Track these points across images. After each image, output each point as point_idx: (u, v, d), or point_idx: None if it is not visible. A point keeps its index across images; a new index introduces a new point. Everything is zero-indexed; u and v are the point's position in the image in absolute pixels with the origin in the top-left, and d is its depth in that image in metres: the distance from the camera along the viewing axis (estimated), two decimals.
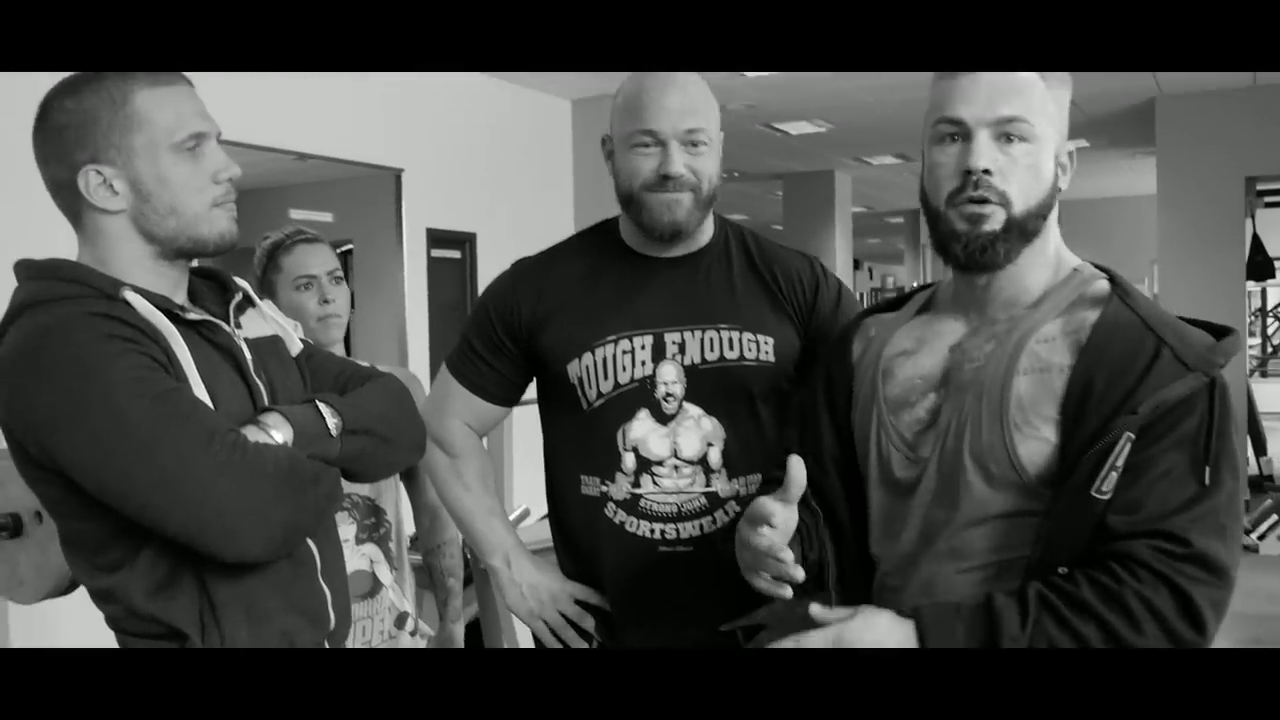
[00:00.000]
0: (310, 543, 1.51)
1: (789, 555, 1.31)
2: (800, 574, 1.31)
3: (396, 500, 2.30)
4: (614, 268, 1.83)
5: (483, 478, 1.93)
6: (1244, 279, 8.07)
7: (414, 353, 6.00)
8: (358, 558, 2.16)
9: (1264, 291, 14.45)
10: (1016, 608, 1.23)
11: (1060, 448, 1.29)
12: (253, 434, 1.37)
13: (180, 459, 1.29)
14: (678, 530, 1.77)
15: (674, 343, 1.77)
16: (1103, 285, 1.38)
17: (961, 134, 1.35)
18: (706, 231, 1.83)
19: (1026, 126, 1.33)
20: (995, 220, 1.34)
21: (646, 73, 1.78)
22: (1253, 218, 8.37)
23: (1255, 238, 8.36)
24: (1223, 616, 1.23)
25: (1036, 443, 1.30)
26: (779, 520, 1.31)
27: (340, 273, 2.27)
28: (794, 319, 1.82)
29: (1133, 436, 1.23)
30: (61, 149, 1.40)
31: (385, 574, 2.21)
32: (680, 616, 1.78)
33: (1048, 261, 1.40)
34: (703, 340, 1.77)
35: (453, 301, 6.46)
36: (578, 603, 1.85)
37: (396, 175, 5.97)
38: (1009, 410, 1.31)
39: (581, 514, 1.81)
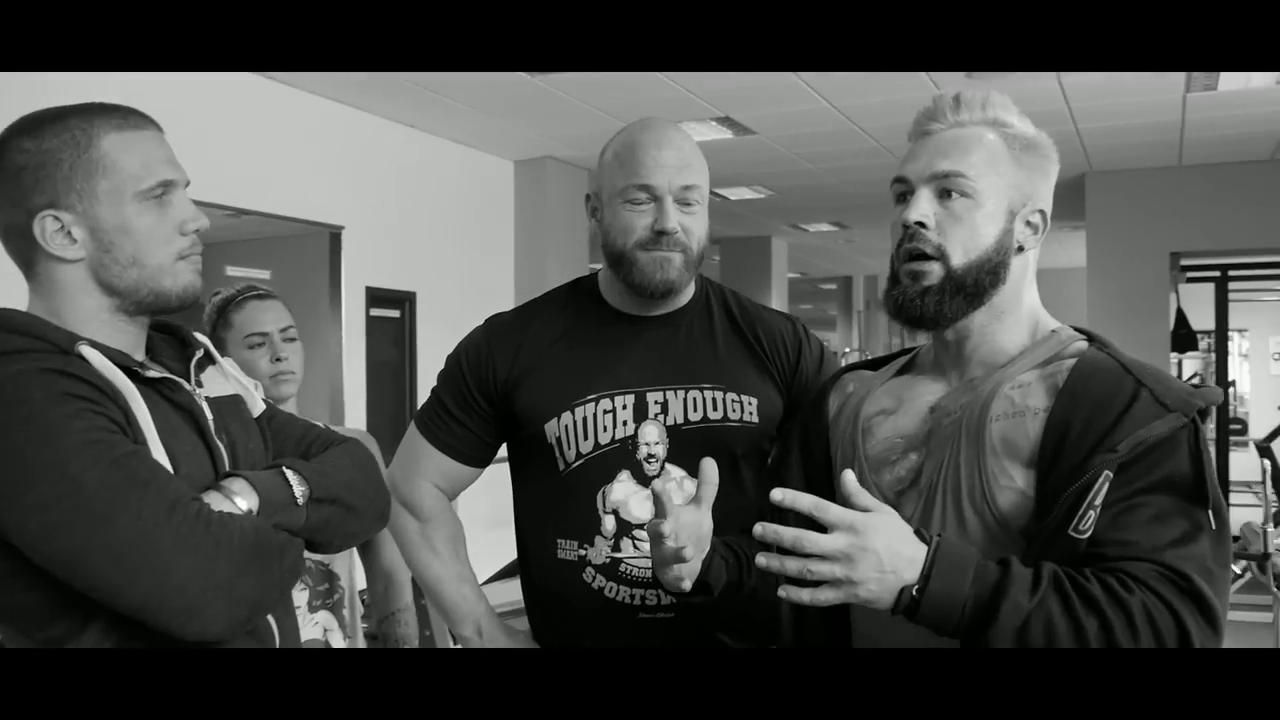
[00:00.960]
0: (269, 617, 1.42)
1: (686, 569, 1.36)
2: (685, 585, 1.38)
3: (350, 566, 2.21)
4: (594, 325, 1.78)
5: (453, 543, 1.85)
6: (1169, 350, 8.25)
7: (351, 413, 5.88)
8: (311, 626, 2.07)
9: (1180, 363, 14.81)
10: (1030, 578, 1.18)
11: (1036, 493, 1.26)
12: (216, 501, 1.29)
13: (139, 531, 1.19)
14: (658, 596, 1.71)
15: (656, 402, 1.72)
16: (1081, 345, 1.37)
17: (908, 191, 1.36)
18: (689, 291, 1.80)
19: (965, 182, 1.33)
20: (933, 276, 1.34)
21: (637, 126, 1.75)
22: (1176, 292, 8.58)
23: (1179, 311, 8.57)
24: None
25: (1011, 493, 1.28)
26: (668, 526, 1.33)
27: (293, 331, 2.21)
28: (776, 379, 1.79)
29: (1111, 475, 1.20)
30: (17, 191, 1.31)
31: (338, 642, 2.12)
32: None
33: (1020, 324, 1.40)
34: (686, 400, 1.72)
35: (391, 361, 6.37)
36: None
37: (336, 233, 5.88)
38: (986, 457, 1.29)
39: (558, 578, 1.75)
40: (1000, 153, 1.35)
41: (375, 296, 6.18)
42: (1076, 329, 1.42)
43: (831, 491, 1.47)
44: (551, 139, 7.08)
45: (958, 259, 1.33)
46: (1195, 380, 1.34)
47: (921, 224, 1.33)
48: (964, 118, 1.36)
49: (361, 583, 2.33)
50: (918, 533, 1.21)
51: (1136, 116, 6.47)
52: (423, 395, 6.68)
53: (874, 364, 1.60)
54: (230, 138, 4.96)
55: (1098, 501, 1.20)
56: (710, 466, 1.36)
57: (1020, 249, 1.37)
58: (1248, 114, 6.50)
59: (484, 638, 1.79)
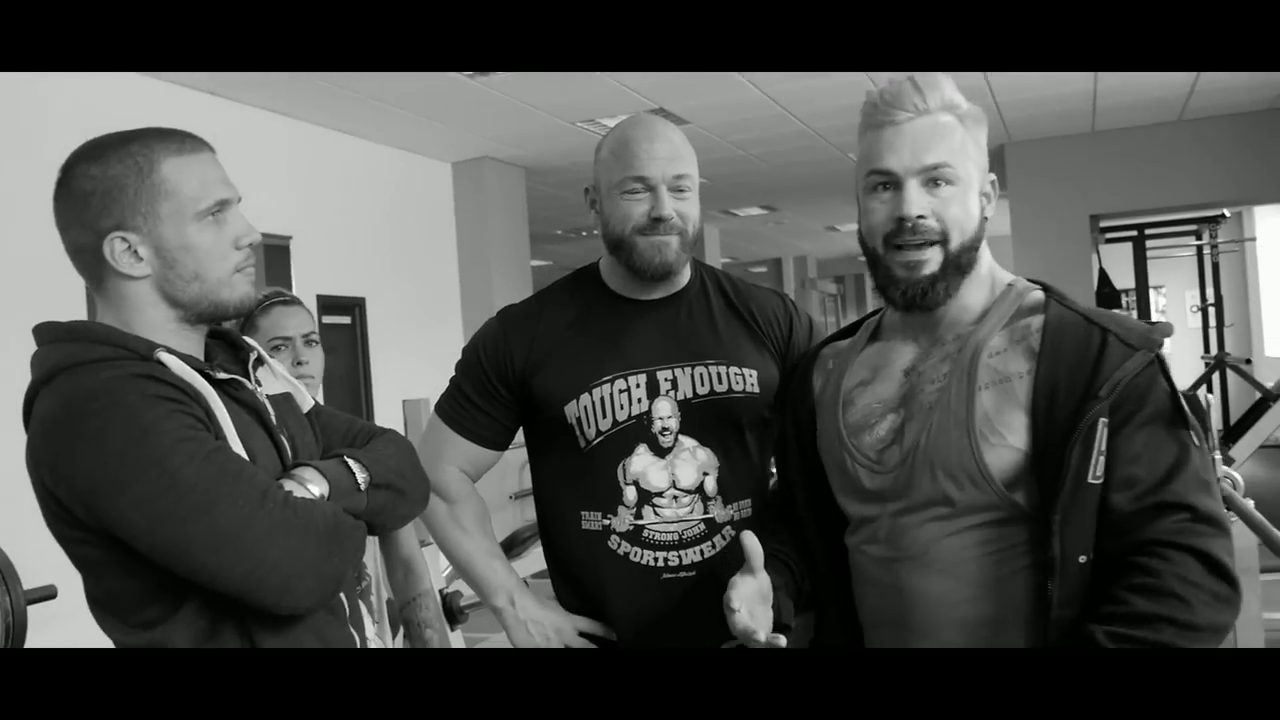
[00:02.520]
0: (341, 593, 1.55)
1: (761, 636, 1.42)
2: (779, 640, 1.43)
3: (375, 554, 2.32)
4: (601, 311, 1.92)
5: (480, 521, 1.98)
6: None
7: None
8: None
9: None
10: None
11: (1031, 450, 1.40)
12: (294, 489, 1.41)
13: (237, 518, 1.31)
14: (680, 557, 1.85)
15: (666, 379, 1.86)
16: (1037, 295, 1.51)
17: (892, 183, 1.47)
18: (685, 273, 1.94)
19: (951, 171, 1.46)
20: (933, 263, 1.47)
21: (629, 122, 1.88)
22: (1098, 253, 8.90)
23: (1101, 271, 8.89)
24: (1233, 560, 1.35)
25: (1004, 450, 1.41)
26: (738, 599, 1.44)
27: (315, 336, 2.31)
28: (773, 351, 1.93)
29: (1106, 420, 1.35)
30: (86, 215, 1.41)
31: (370, 625, 2.23)
32: (685, 638, 1.85)
33: (983, 282, 1.53)
34: (693, 376, 1.86)
35: (346, 366, 6.43)
36: (582, 634, 1.91)
37: (284, 243, 5.94)
38: (975, 423, 1.42)
39: (583, 548, 1.88)
40: (965, 136, 1.48)
41: (326, 304, 6.25)
42: (1029, 280, 1.56)
43: (820, 466, 1.62)
44: (488, 139, 7.17)
45: (955, 241, 1.46)
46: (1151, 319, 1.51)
47: (922, 216, 1.45)
48: (929, 105, 1.47)
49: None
50: None
51: (1050, 87, 6.72)
52: (378, 398, 6.74)
53: (845, 333, 1.73)
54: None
55: (1103, 446, 1.35)
56: (751, 539, 1.48)
57: (985, 217, 1.52)
58: (1154, 78, 6.78)
59: (516, 606, 1.92)
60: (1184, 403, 1.39)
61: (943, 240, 1.46)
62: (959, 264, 1.47)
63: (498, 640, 4.57)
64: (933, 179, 1.46)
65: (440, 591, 3.01)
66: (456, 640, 3.24)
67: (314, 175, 6.25)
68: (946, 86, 1.50)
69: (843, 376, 1.62)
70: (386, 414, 6.29)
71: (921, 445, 1.47)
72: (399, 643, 2.35)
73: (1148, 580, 1.31)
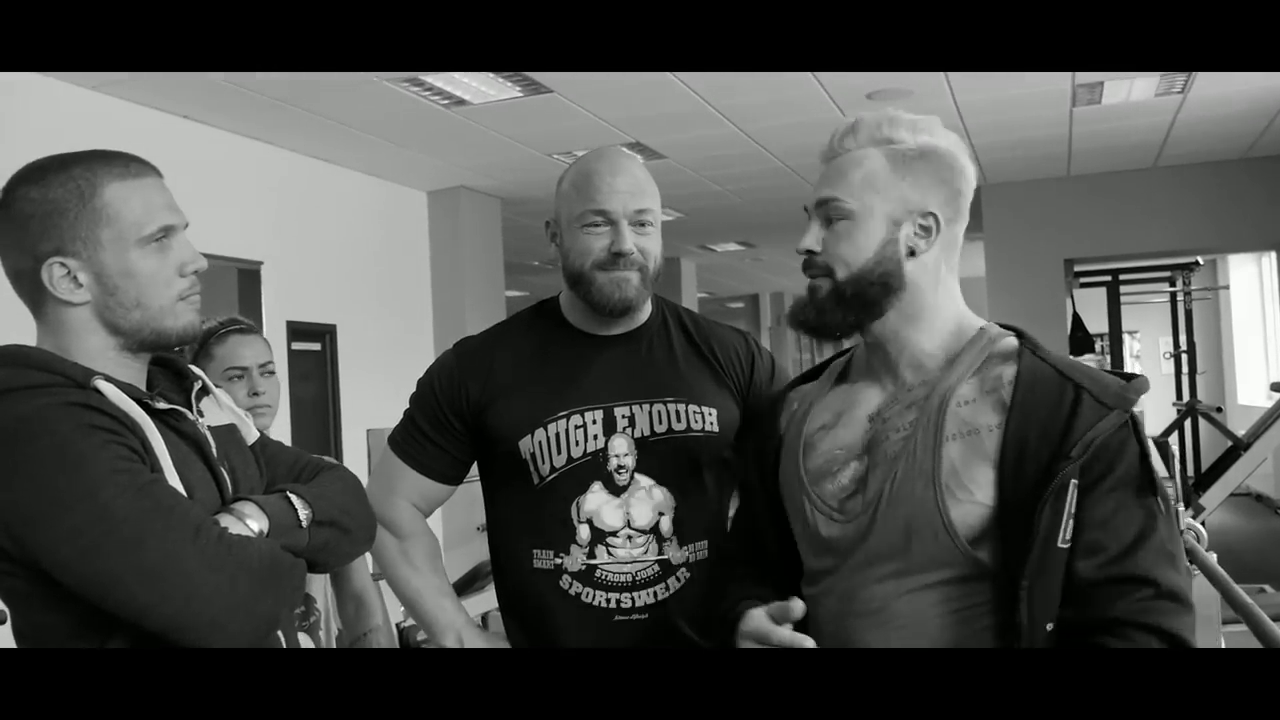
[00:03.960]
0: (279, 632, 1.50)
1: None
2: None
3: (325, 588, 2.27)
4: (559, 346, 1.88)
5: (430, 558, 1.93)
6: (1068, 353, 8.57)
7: None
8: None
9: None
10: None
11: (997, 506, 1.34)
12: (231, 524, 1.37)
13: (167, 554, 1.27)
14: (633, 599, 1.81)
15: (624, 416, 1.83)
16: (1010, 342, 1.45)
17: (809, 217, 1.50)
18: (646, 309, 1.91)
19: (841, 205, 1.45)
20: (823, 290, 1.47)
21: (592, 155, 1.86)
22: (1072, 297, 8.93)
23: (1075, 315, 8.91)
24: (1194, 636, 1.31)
25: (970, 505, 1.35)
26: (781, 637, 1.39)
27: (272, 366, 2.27)
28: (733, 390, 1.90)
29: (1077, 481, 1.30)
30: (25, 239, 1.37)
31: None
32: None
33: (938, 324, 1.47)
34: (651, 413, 1.83)
35: (314, 394, 6.37)
36: None
37: (254, 268, 5.89)
38: (941, 476, 1.37)
39: (535, 587, 1.84)
40: (880, 170, 1.44)
41: (296, 330, 6.19)
42: (1002, 325, 1.50)
43: (784, 508, 1.58)
44: (464, 169, 7.16)
45: (841, 273, 1.45)
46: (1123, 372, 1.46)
47: (810, 251, 1.47)
48: (851, 143, 1.47)
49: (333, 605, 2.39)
50: None
51: (1027, 130, 6.76)
52: (347, 426, 6.70)
53: (814, 373, 1.68)
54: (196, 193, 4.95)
55: (1073, 509, 1.30)
56: (798, 605, 1.39)
57: (912, 253, 1.45)
58: (1130, 125, 6.83)
59: (464, 645, 1.87)
60: (1154, 467, 1.34)
61: (828, 273, 1.47)
62: (846, 297, 1.46)
63: None
64: (827, 215, 1.47)
65: (397, 625, 2.96)
66: None
67: (287, 201, 6.21)
68: (887, 124, 1.47)
69: (805, 419, 1.57)
70: (353, 441, 6.23)
71: (885, 496, 1.41)
72: None
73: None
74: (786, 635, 1.36)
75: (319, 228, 6.50)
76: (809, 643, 1.35)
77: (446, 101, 5.53)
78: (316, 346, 6.47)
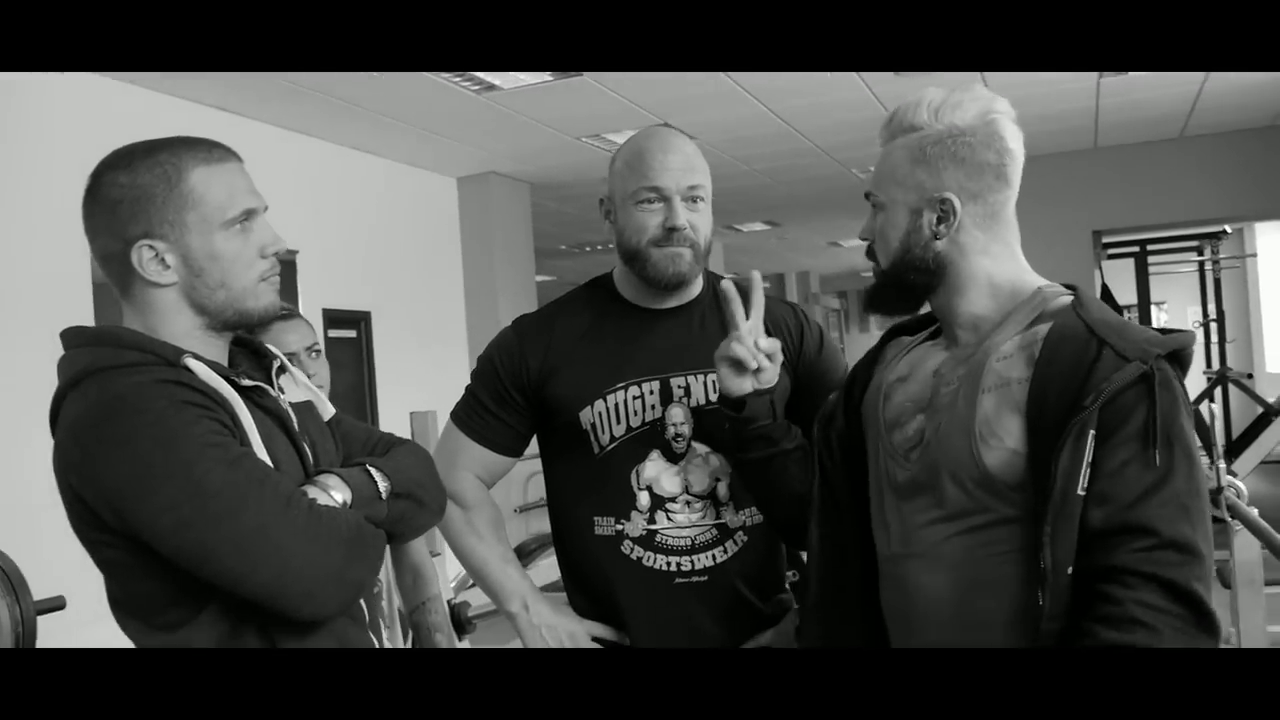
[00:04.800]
0: (361, 599, 1.56)
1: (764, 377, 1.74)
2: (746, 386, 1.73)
3: (385, 560, 2.34)
4: (614, 320, 1.94)
5: (495, 527, 2.00)
6: None
7: None
8: None
9: None
10: None
11: (1028, 455, 1.40)
12: (317, 496, 1.42)
13: (261, 524, 1.32)
14: (692, 562, 1.88)
15: (679, 387, 1.89)
16: (1064, 300, 1.49)
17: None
18: (698, 283, 1.97)
19: (876, 198, 1.56)
20: (875, 277, 1.61)
21: (644, 134, 1.91)
22: (1100, 268, 8.93)
23: (1104, 287, 8.91)
24: (1210, 587, 1.33)
25: (1002, 452, 1.41)
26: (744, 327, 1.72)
27: (318, 346, 2.33)
28: (784, 359, 1.95)
29: (1094, 432, 1.33)
30: (115, 223, 1.42)
31: (384, 631, 2.25)
32: (698, 641, 1.88)
33: (984, 291, 1.52)
34: (706, 383, 1.89)
35: (351, 381, 6.46)
36: (595, 639, 1.93)
37: (290, 258, 5.97)
38: (975, 425, 1.44)
39: (597, 553, 1.91)
40: (900, 163, 1.52)
41: (332, 318, 6.28)
42: (1065, 285, 1.54)
43: (862, 436, 1.65)
44: (494, 154, 7.22)
45: (883, 262, 1.57)
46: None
47: (865, 238, 1.61)
48: (885, 136, 1.57)
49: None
50: None
51: (1054, 103, 6.77)
52: (383, 411, 6.77)
53: (911, 327, 1.72)
54: None
55: (1089, 458, 1.34)
56: (757, 275, 1.69)
57: (936, 237, 1.51)
58: (1156, 95, 6.83)
59: (530, 611, 1.94)
60: (1179, 420, 1.36)
61: (875, 258, 1.60)
62: (890, 282, 1.58)
63: None
64: (871, 204, 1.59)
65: (448, 602, 3.03)
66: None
67: (320, 190, 6.29)
68: (911, 110, 1.53)
69: (889, 370, 1.66)
70: (392, 427, 6.23)
71: (932, 445, 1.50)
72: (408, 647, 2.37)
73: (1111, 610, 1.30)
74: None
75: (352, 216, 6.58)
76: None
77: (477, 87, 5.59)
78: (352, 334, 6.56)
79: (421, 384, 6.92)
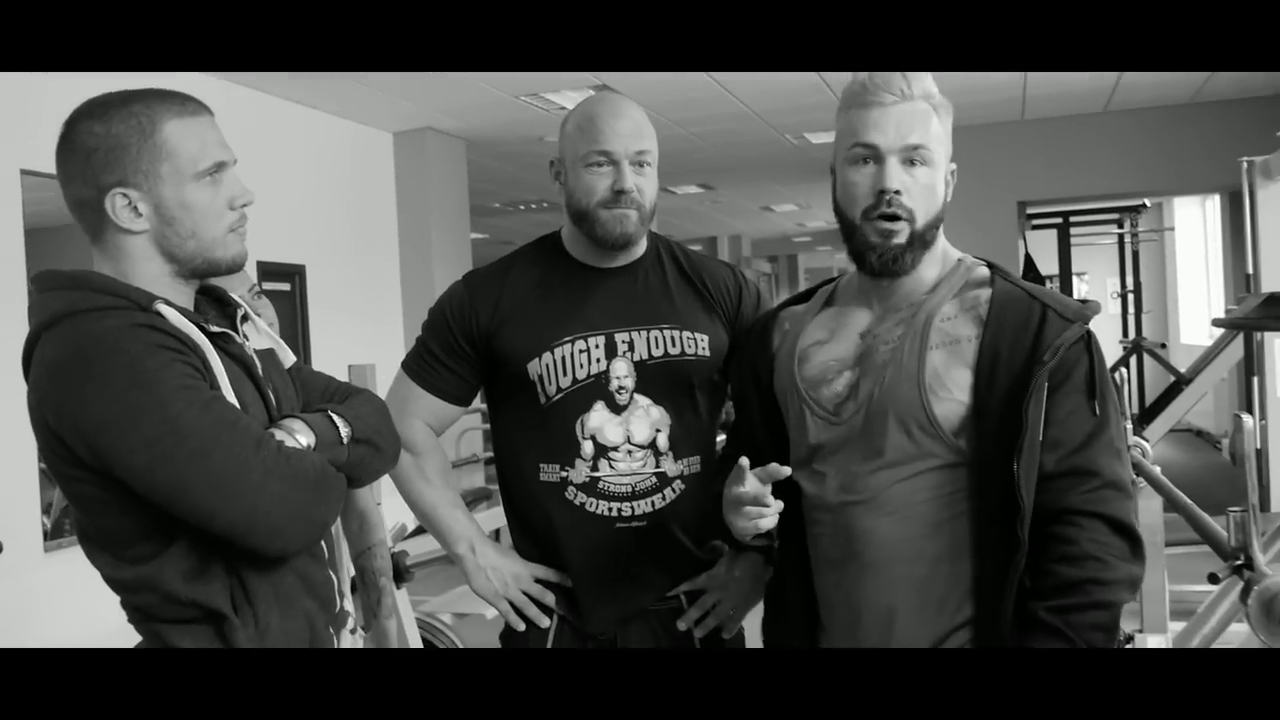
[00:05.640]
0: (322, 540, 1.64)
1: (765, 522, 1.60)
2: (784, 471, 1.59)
3: None
4: (563, 277, 2.03)
5: (443, 473, 2.09)
6: None
7: None
8: None
9: None
10: (1055, 639, 1.47)
11: (973, 405, 1.56)
12: (284, 438, 1.49)
13: (233, 464, 1.39)
14: (632, 508, 1.98)
15: (624, 342, 1.98)
16: (983, 271, 1.67)
17: (874, 157, 1.60)
18: (643, 244, 2.06)
19: (927, 153, 1.60)
20: (903, 235, 1.60)
21: (593, 100, 1.99)
22: (1024, 239, 9.16)
23: (1027, 257, 9.14)
24: (1137, 518, 1.54)
25: (950, 403, 1.57)
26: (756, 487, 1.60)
27: (260, 288, 2.37)
28: (722, 319, 2.05)
29: (1046, 383, 1.51)
30: (88, 170, 1.47)
31: (339, 570, 2.32)
32: (635, 585, 1.98)
33: (936, 259, 1.67)
34: (649, 339, 1.98)
35: (285, 334, 6.43)
36: (538, 581, 2.02)
37: None
38: (925, 378, 1.58)
39: (541, 498, 2.00)
40: (938, 125, 1.63)
41: (266, 270, 6.26)
42: (975, 257, 1.71)
43: (779, 412, 1.76)
44: (431, 110, 7.21)
45: (921, 219, 1.60)
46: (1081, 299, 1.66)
47: (898, 191, 1.59)
48: (913, 91, 1.61)
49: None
50: None
51: (982, 76, 6.92)
52: (317, 364, 6.79)
53: (801, 298, 1.87)
54: None
55: (1043, 407, 1.52)
56: (783, 469, 1.59)
57: (945, 200, 1.66)
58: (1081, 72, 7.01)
59: (476, 554, 2.03)
60: (1106, 376, 1.55)
61: (911, 217, 1.59)
62: (924, 239, 1.61)
63: (439, 604, 4.67)
64: (910, 159, 1.59)
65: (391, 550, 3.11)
66: (401, 598, 3.34)
67: (255, 142, 6.23)
68: (927, 78, 1.64)
69: (798, 336, 1.75)
70: None
71: (876, 397, 1.61)
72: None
73: (1067, 549, 1.49)
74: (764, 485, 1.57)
75: (287, 169, 6.55)
76: (785, 471, 1.56)
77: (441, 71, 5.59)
78: (286, 286, 6.55)
79: (356, 338, 6.95)
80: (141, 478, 1.40)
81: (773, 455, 1.71)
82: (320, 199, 6.92)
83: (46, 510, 4.55)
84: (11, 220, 4.42)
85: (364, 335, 7.15)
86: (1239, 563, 1.61)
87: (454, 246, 7.98)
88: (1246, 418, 1.78)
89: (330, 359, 6.39)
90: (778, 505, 1.57)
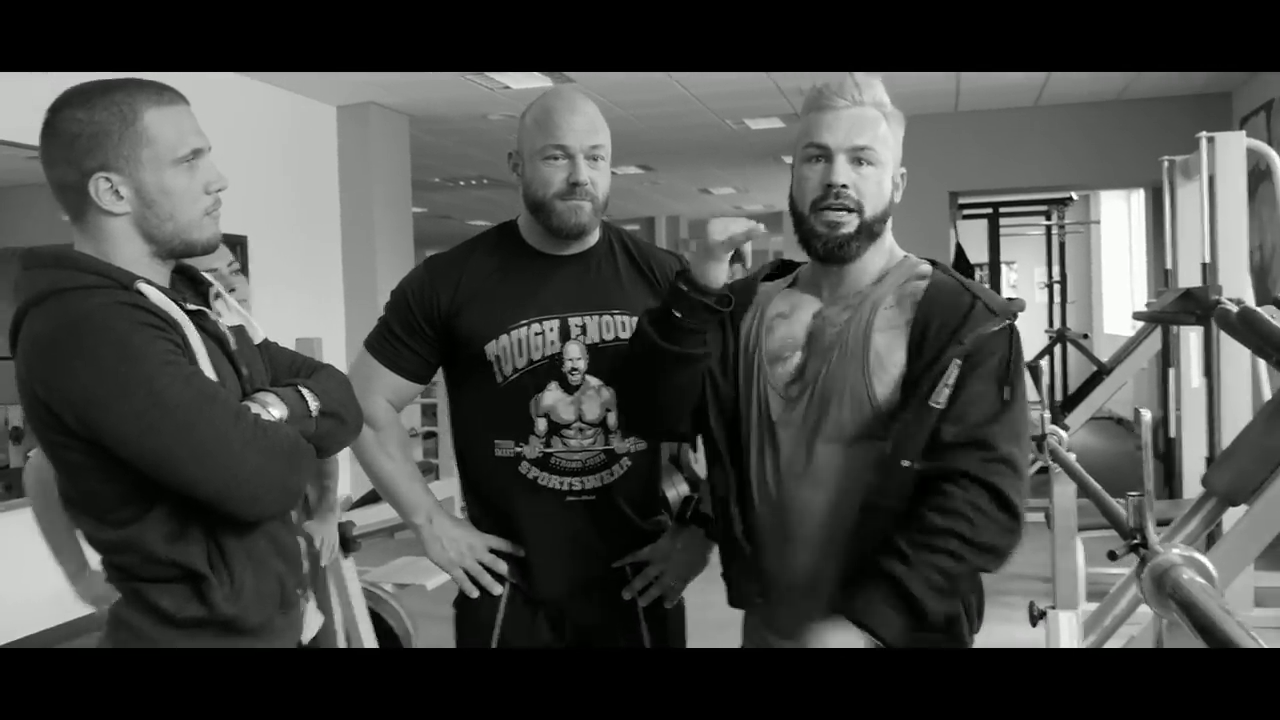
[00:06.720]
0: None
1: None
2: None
3: None
4: (520, 263, 2.13)
5: (403, 447, 2.19)
6: None
7: None
8: None
9: None
10: (895, 564, 1.60)
11: (904, 377, 1.69)
12: (259, 411, 1.58)
13: (215, 435, 1.49)
14: (582, 482, 2.09)
15: (577, 326, 2.09)
16: (925, 267, 1.81)
17: (825, 156, 1.74)
18: (596, 233, 2.17)
19: (873, 153, 1.74)
20: (850, 225, 1.73)
21: (551, 94, 2.09)
22: (955, 228, 9.39)
23: (958, 246, 9.37)
24: (1025, 497, 1.66)
25: (889, 380, 1.70)
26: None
27: (238, 265, 2.45)
28: None
29: (959, 362, 1.65)
30: (72, 155, 1.55)
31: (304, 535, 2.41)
32: (583, 555, 2.10)
33: (883, 253, 1.81)
34: (600, 323, 2.09)
35: None
36: (492, 550, 2.13)
37: None
38: (869, 358, 1.72)
39: (497, 473, 2.10)
40: (887, 130, 1.76)
41: None
42: (918, 257, 1.85)
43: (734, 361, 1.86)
44: (374, 85, 7.23)
45: (869, 211, 1.73)
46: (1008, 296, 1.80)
47: (845, 186, 1.72)
48: (863, 98, 1.74)
49: None
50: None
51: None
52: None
53: (775, 273, 1.96)
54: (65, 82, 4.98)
55: (950, 381, 1.65)
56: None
57: (893, 200, 1.79)
58: None
59: (434, 524, 2.14)
60: (1019, 368, 1.69)
61: (858, 209, 1.73)
62: (871, 231, 1.74)
63: (380, 574, 4.76)
64: (858, 158, 1.73)
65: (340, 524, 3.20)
66: (348, 566, 3.42)
67: (198, 112, 6.19)
68: (879, 87, 1.77)
69: (766, 306, 1.87)
70: None
71: (821, 376, 1.74)
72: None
73: (943, 501, 1.62)
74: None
75: (230, 141, 6.51)
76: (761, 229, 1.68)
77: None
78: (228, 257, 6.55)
79: (298, 309, 6.97)
80: (128, 446, 1.49)
81: (722, 429, 1.83)
82: (263, 171, 6.91)
83: None
84: None
85: (306, 307, 7.18)
86: (1135, 541, 1.75)
87: (396, 221, 8.01)
88: (1145, 412, 1.93)
89: (272, 330, 6.26)
90: (751, 223, 1.67)
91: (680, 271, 1.72)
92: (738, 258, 1.71)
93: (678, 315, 1.71)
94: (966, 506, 1.61)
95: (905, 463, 1.65)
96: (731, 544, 1.84)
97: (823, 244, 1.75)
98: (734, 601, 1.89)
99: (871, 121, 1.74)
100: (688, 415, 1.84)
